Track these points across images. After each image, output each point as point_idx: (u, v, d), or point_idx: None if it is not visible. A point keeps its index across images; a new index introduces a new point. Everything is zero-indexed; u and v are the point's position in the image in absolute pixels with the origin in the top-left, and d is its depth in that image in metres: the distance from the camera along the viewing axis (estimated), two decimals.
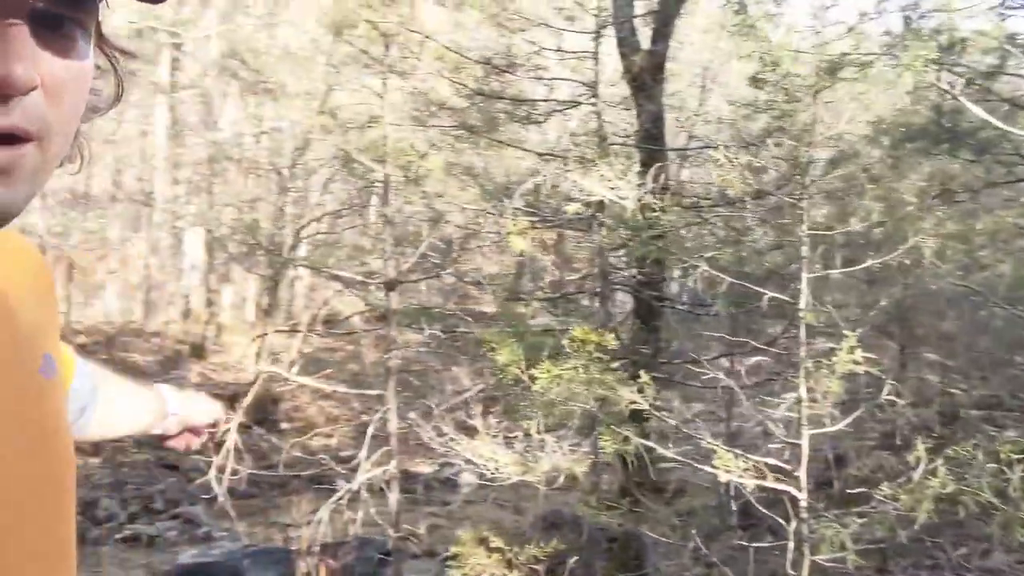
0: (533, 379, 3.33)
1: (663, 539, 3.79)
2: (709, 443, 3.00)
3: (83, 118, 0.69)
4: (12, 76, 0.51)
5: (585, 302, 5.46)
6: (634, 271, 5.05)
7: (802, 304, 3.07)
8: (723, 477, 2.83)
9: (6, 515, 0.57)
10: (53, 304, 0.78)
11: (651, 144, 5.25)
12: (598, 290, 5.08)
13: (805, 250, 3.11)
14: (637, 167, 4.81)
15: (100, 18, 0.65)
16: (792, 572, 2.79)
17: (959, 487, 2.56)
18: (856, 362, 2.72)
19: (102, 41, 0.67)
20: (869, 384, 3.47)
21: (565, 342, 3.28)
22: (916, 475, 2.66)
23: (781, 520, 2.85)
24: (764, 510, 2.95)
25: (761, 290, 3.27)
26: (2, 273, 0.68)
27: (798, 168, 3.28)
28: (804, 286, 3.05)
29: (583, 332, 3.20)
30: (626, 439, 3.37)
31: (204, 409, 1.30)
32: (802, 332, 3.04)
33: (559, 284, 6.19)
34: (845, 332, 2.77)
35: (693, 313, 5.37)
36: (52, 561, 0.64)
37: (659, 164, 4.78)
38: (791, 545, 2.82)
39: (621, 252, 5.05)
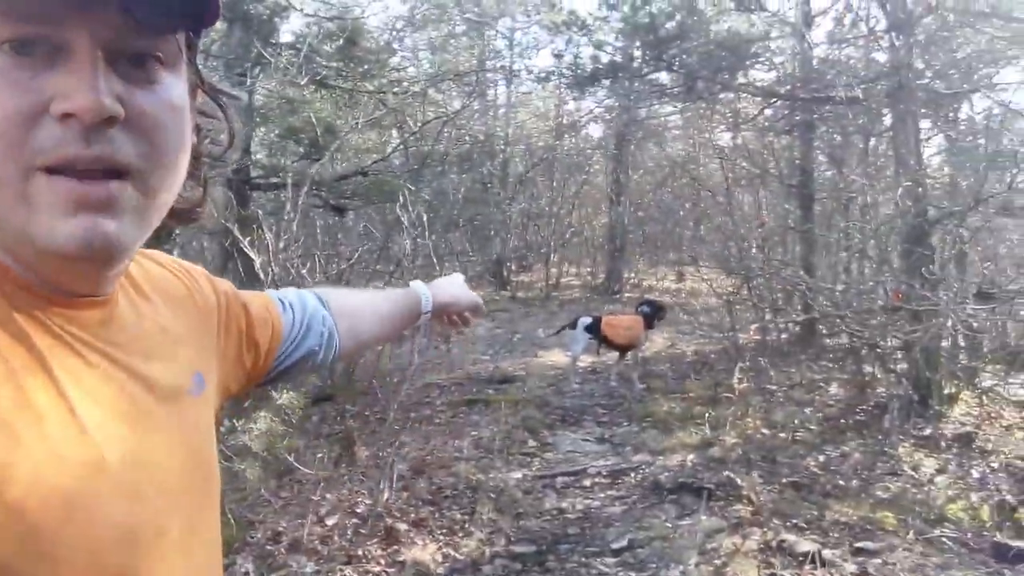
0: None
1: None
2: None
3: (208, 163, 0.73)
4: (89, 104, 0.53)
5: None
6: None
7: None
8: None
9: (165, 521, 0.62)
10: (211, 322, 0.82)
11: None
12: None
13: None
14: None
15: (197, 63, 0.68)
16: None
17: None
18: None
19: (204, 85, 0.70)
20: None
21: None
22: None
23: None
24: None
25: None
26: (155, 304, 0.73)
27: None
28: None
29: None
30: None
31: (462, 300, 1.33)
32: None
33: None
34: None
35: None
36: (201, 559, 0.69)
37: None
38: None
39: None
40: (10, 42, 0.53)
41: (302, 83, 6.65)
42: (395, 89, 8.68)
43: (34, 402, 0.54)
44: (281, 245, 5.35)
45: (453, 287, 1.34)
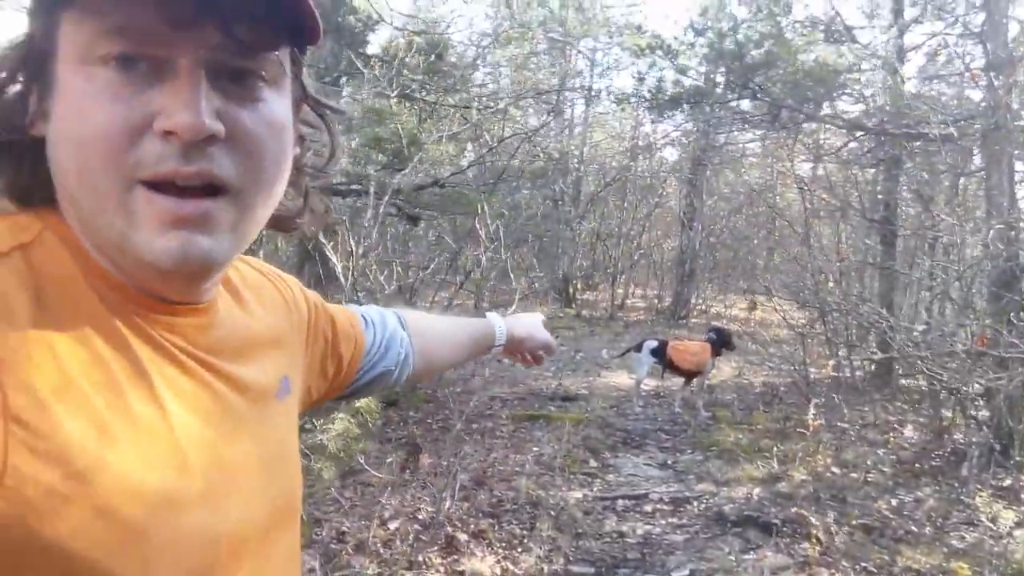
0: None
1: None
2: None
3: (310, 177, 0.75)
4: (189, 124, 0.54)
5: None
6: None
7: None
8: None
9: (248, 525, 0.64)
10: (300, 330, 0.85)
11: None
12: None
13: None
14: None
15: (303, 78, 0.69)
16: None
17: None
18: None
19: (308, 99, 0.70)
20: None
21: None
22: None
23: None
24: None
25: None
26: (250, 307, 0.75)
27: None
28: None
29: None
30: None
31: (537, 338, 1.37)
32: None
33: None
34: None
35: None
36: (280, 564, 0.70)
37: None
38: None
39: None
40: (116, 58, 0.55)
41: (392, 95, 6.82)
42: (477, 105, 8.81)
43: (130, 407, 0.56)
44: (360, 251, 5.50)
45: (530, 325, 1.36)
